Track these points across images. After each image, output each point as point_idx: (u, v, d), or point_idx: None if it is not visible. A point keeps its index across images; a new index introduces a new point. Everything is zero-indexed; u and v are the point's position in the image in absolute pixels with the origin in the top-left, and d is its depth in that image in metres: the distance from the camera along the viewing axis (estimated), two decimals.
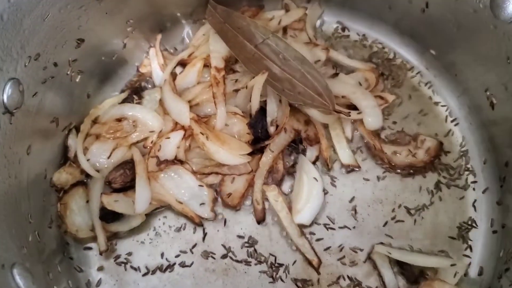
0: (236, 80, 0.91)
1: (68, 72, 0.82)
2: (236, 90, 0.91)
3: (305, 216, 0.85)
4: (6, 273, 0.59)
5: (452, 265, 0.81)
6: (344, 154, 0.90)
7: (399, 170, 0.90)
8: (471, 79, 0.90)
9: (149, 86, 0.96)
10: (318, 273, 0.84)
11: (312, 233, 0.86)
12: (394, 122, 0.94)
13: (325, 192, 0.88)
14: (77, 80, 0.85)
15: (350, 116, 0.87)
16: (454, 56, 0.91)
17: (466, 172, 0.90)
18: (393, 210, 0.87)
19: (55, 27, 0.74)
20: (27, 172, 0.74)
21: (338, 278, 0.84)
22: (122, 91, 0.95)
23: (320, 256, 0.84)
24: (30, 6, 0.67)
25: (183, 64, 0.96)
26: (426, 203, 0.88)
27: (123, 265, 0.85)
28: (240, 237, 0.86)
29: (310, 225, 0.86)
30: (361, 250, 0.85)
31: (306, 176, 0.87)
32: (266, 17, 0.99)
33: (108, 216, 0.83)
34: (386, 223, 0.87)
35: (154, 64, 0.96)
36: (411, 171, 0.90)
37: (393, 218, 0.87)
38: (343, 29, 1.01)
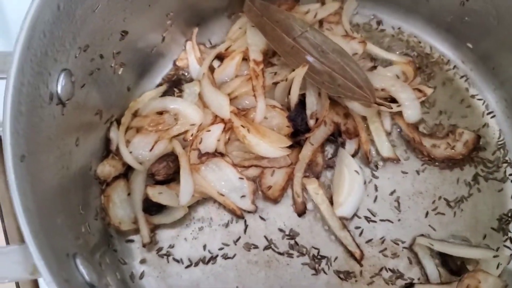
0: (275, 73, 0.91)
1: (112, 65, 0.82)
2: (275, 83, 0.91)
3: (347, 209, 0.85)
4: (70, 261, 0.59)
5: (494, 256, 0.82)
6: (384, 147, 0.91)
7: (437, 163, 0.91)
8: (509, 72, 0.90)
9: (186, 79, 0.97)
10: (361, 265, 0.84)
11: (353, 226, 0.86)
12: (432, 115, 0.94)
13: (365, 185, 0.88)
14: (119, 72, 0.85)
15: (392, 108, 0.88)
16: (492, 50, 0.92)
17: (504, 165, 0.91)
18: (433, 202, 0.88)
19: (103, 18, 0.74)
20: (76, 164, 0.74)
21: (380, 270, 0.84)
22: (159, 84, 0.95)
23: (362, 248, 0.85)
24: None
25: (219, 57, 0.96)
26: (465, 195, 0.89)
27: (165, 257, 0.85)
28: (281, 229, 0.87)
29: (352, 218, 0.87)
30: (403, 242, 0.85)
31: (347, 169, 0.87)
32: (302, 10, 0.99)
33: (152, 208, 0.83)
34: (426, 215, 0.87)
35: (191, 58, 0.96)
36: (450, 163, 0.91)
37: (433, 210, 0.87)
38: (379, 22, 1.01)
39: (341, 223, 0.85)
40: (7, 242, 0.75)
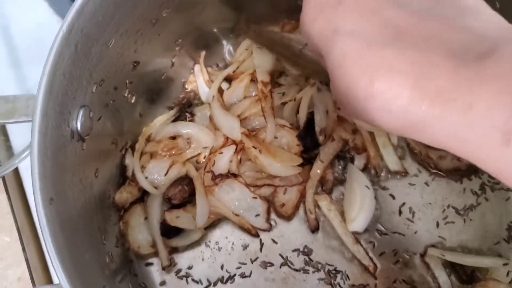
0: (283, 94, 0.93)
1: (126, 94, 0.84)
2: (284, 103, 0.93)
3: (359, 224, 0.88)
4: None
5: (504, 264, 0.84)
6: (392, 161, 0.93)
7: (444, 174, 0.93)
8: None
9: (196, 102, 0.99)
10: (375, 278, 0.86)
11: (366, 240, 0.89)
12: None
13: (376, 199, 0.91)
14: (132, 101, 0.87)
15: None
16: None
17: None
18: (443, 211, 0.90)
19: (117, 52, 0.76)
20: (96, 195, 0.76)
21: (394, 281, 0.86)
22: (170, 108, 0.98)
23: (376, 261, 0.87)
24: (97, 34, 0.69)
25: (227, 79, 0.98)
26: (474, 204, 0.91)
27: (184, 278, 0.87)
28: (295, 246, 0.89)
29: (364, 232, 0.89)
30: (415, 253, 0.88)
31: (357, 185, 0.90)
32: None
33: (170, 232, 0.85)
34: (436, 226, 0.89)
35: (200, 81, 0.98)
36: (457, 174, 0.93)
37: (444, 219, 0.90)
38: None
39: (354, 238, 0.88)
40: (33, 284, 0.77)
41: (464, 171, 0.92)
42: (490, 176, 0.93)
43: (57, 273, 0.52)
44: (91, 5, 0.66)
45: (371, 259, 0.87)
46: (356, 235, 0.88)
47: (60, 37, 0.62)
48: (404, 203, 0.91)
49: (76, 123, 0.68)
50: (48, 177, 0.57)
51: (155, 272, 0.87)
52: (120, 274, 0.81)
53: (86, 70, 0.69)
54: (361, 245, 0.87)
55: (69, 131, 0.65)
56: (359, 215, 0.88)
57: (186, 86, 0.99)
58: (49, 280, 0.77)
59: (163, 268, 0.86)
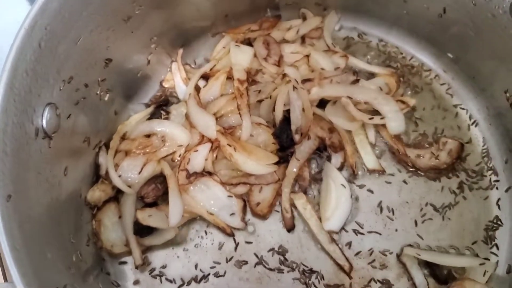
0: (259, 91, 0.93)
1: (98, 92, 0.83)
2: (260, 101, 0.92)
3: (335, 223, 0.87)
4: None
5: (481, 264, 0.83)
6: (369, 159, 0.92)
7: (423, 173, 0.92)
8: (490, 80, 0.92)
9: (173, 100, 0.98)
10: (350, 278, 0.86)
11: (342, 239, 0.88)
12: (416, 126, 0.96)
13: (352, 198, 0.90)
14: (106, 98, 0.86)
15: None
16: (472, 59, 0.93)
17: (489, 172, 0.92)
18: (420, 210, 0.89)
19: (86, 49, 0.75)
20: (65, 193, 0.76)
21: (370, 281, 0.85)
22: (147, 106, 0.97)
23: (351, 261, 0.86)
24: (64, 31, 0.69)
25: (205, 77, 0.97)
26: (452, 203, 0.90)
27: (158, 277, 0.86)
28: (271, 245, 0.88)
29: (340, 231, 0.88)
30: (391, 253, 0.87)
31: (333, 183, 0.89)
32: (284, 27, 1.01)
33: (143, 230, 0.85)
34: (416, 224, 0.88)
35: (177, 78, 0.98)
36: (435, 173, 0.92)
37: (422, 216, 0.89)
38: (361, 35, 1.03)
39: (329, 237, 0.87)
40: (5, 279, 0.76)
41: (442, 169, 0.92)
42: (468, 175, 0.92)
43: (11, 271, 0.51)
44: (55, 2, 0.65)
45: (346, 258, 0.86)
46: (331, 234, 0.87)
47: (21, 34, 0.61)
48: (381, 202, 0.90)
49: (42, 121, 0.67)
50: (6, 174, 0.57)
51: (129, 271, 0.87)
52: (92, 273, 0.80)
53: (53, 67, 0.68)
54: (337, 244, 0.86)
55: (33, 129, 0.65)
56: (335, 214, 0.87)
57: (164, 84, 0.99)
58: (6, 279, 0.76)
59: (137, 267, 0.85)
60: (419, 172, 0.92)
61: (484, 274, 0.83)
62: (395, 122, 0.91)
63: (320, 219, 0.88)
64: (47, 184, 0.69)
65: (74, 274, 0.69)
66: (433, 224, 0.89)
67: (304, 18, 1.02)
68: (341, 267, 0.86)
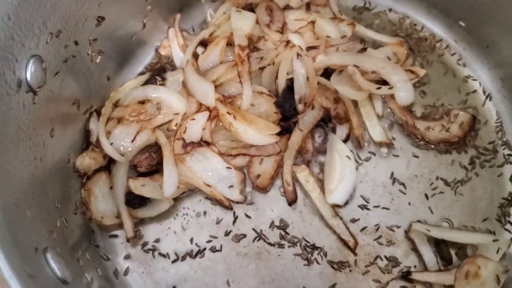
0: (261, 58, 0.88)
1: (89, 52, 0.78)
2: (262, 68, 0.87)
3: (339, 196, 0.82)
4: (39, 256, 0.55)
5: (494, 240, 0.79)
6: (376, 132, 0.87)
7: (433, 146, 0.87)
8: (504, 50, 0.87)
9: (170, 67, 0.93)
10: (355, 254, 0.81)
11: (346, 214, 0.83)
12: (425, 97, 0.91)
13: (358, 170, 0.85)
14: (98, 61, 0.81)
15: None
16: (485, 28, 0.88)
17: (503, 147, 0.87)
18: (431, 184, 0.84)
19: (76, 3, 0.71)
20: (51, 155, 0.71)
21: (376, 258, 0.81)
22: (142, 73, 0.92)
23: (356, 236, 0.81)
24: None
25: (203, 44, 0.92)
26: (465, 179, 0.85)
27: (151, 252, 0.81)
28: (271, 219, 0.83)
29: (344, 205, 0.83)
30: (399, 227, 0.82)
31: (338, 155, 0.84)
32: None
33: (135, 201, 0.80)
34: (423, 199, 0.83)
35: (174, 45, 0.92)
36: (446, 146, 0.87)
37: (431, 191, 0.84)
38: (369, 3, 0.98)
39: (333, 211, 0.82)
40: None
41: (453, 143, 0.87)
42: (480, 153, 0.87)
43: None
44: None
45: (351, 234, 0.81)
46: (335, 208, 0.82)
47: None
48: (388, 176, 0.85)
49: (25, 73, 0.62)
50: None
51: (120, 244, 0.82)
52: (80, 246, 0.75)
53: (38, 16, 0.63)
54: (341, 218, 0.81)
55: (15, 79, 0.60)
56: (339, 186, 0.82)
57: (160, 51, 0.94)
58: None
59: (128, 240, 0.80)
60: (428, 145, 0.87)
61: (497, 251, 0.78)
62: (404, 92, 0.86)
63: (323, 192, 0.83)
64: (30, 142, 0.64)
65: (56, 239, 0.64)
66: (444, 199, 0.84)
67: None
68: (345, 243, 0.81)
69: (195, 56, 0.91)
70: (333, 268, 0.80)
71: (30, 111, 0.64)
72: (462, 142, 0.87)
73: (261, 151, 0.85)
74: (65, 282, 0.56)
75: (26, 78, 0.62)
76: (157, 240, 0.82)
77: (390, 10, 0.97)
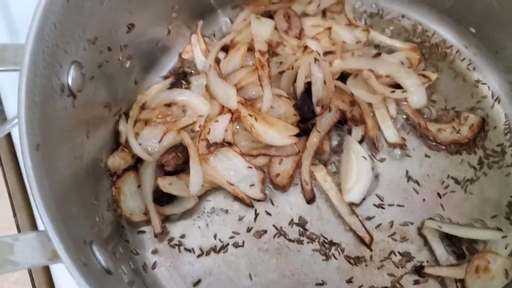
0: (281, 63, 0.92)
1: (120, 58, 0.83)
2: (281, 72, 0.92)
3: (356, 195, 0.86)
4: (87, 248, 0.60)
5: (503, 237, 0.83)
6: (390, 133, 0.91)
7: (444, 147, 0.91)
8: None
9: (192, 71, 0.97)
10: (371, 250, 0.85)
11: (362, 211, 0.87)
12: (436, 101, 0.95)
13: (373, 170, 0.89)
14: (127, 65, 0.86)
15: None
16: (494, 33, 0.92)
17: (511, 148, 0.92)
18: (442, 183, 0.88)
19: (110, 11, 0.75)
20: (87, 155, 0.75)
21: (390, 254, 0.85)
22: (166, 77, 0.96)
23: (371, 233, 0.85)
24: None
25: (225, 49, 0.97)
26: (474, 178, 0.89)
27: (177, 247, 0.85)
28: (290, 217, 0.87)
29: (360, 204, 0.87)
30: (412, 224, 0.86)
31: (354, 156, 0.88)
32: (305, 0, 1.00)
33: (162, 199, 0.84)
34: (435, 198, 0.88)
35: (197, 50, 0.97)
36: (456, 147, 0.91)
37: (443, 190, 0.88)
38: (382, 10, 1.02)
39: (350, 209, 0.86)
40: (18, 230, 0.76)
41: (464, 144, 0.91)
42: (488, 154, 0.91)
43: (43, 218, 0.50)
44: None
45: (367, 230, 0.85)
46: (352, 207, 0.86)
47: None
48: (401, 175, 0.89)
49: (67, 78, 0.66)
50: (35, 124, 0.56)
51: (148, 240, 0.86)
52: (112, 240, 0.80)
53: (79, 24, 0.68)
54: (357, 216, 0.86)
55: (59, 84, 0.64)
56: (356, 186, 0.86)
57: (183, 56, 0.98)
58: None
59: (155, 236, 0.84)
60: (440, 146, 0.91)
61: (506, 247, 0.82)
62: (417, 96, 0.90)
63: (340, 191, 0.87)
64: (71, 143, 0.68)
65: (97, 233, 0.68)
66: (454, 197, 0.88)
67: None
68: (361, 239, 0.85)
69: (217, 61, 0.95)
70: (350, 263, 0.84)
71: (71, 114, 0.68)
72: (472, 143, 0.91)
73: (280, 151, 0.89)
74: (109, 272, 0.60)
75: (68, 83, 0.66)
76: (182, 236, 0.86)
77: (403, 16, 1.02)
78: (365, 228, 0.85)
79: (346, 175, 0.88)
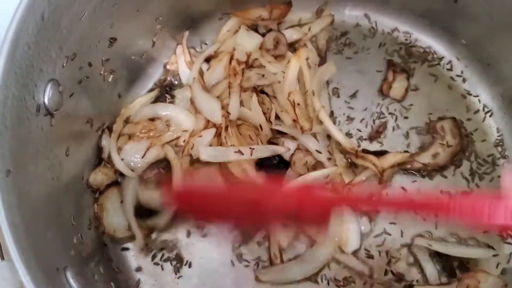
0: (263, 76, 0.89)
1: (102, 72, 0.81)
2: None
3: (354, 242, 0.83)
4: (61, 276, 0.58)
5: (494, 255, 0.81)
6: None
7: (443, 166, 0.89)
8: (505, 68, 0.89)
9: (177, 83, 0.95)
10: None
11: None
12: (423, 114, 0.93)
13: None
14: (109, 80, 0.84)
15: None
16: (487, 46, 0.91)
17: (502, 160, 0.90)
18: None
19: (90, 26, 0.73)
20: (66, 174, 0.73)
21: (380, 273, 0.83)
22: (151, 90, 0.94)
23: (361, 251, 0.84)
24: (67, 4, 0.66)
25: (208, 60, 0.94)
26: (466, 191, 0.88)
27: (160, 265, 0.84)
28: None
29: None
30: (402, 242, 0.84)
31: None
32: (294, 19, 0.97)
33: (144, 212, 0.83)
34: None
35: (181, 62, 0.94)
36: (454, 160, 0.89)
37: None
38: (371, 22, 0.99)
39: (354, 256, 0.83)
40: (2, 258, 0.74)
41: (459, 153, 0.89)
42: (482, 163, 0.90)
43: (9, 247, 0.49)
44: None
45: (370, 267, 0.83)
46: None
47: (24, 3, 0.59)
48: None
49: (43, 97, 0.64)
50: (6, 148, 0.54)
51: (131, 257, 0.84)
52: (93, 259, 0.78)
53: (55, 42, 0.66)
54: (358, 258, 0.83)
55: (34, 104, 0.62)
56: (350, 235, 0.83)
57: (168, 67, 0.95)
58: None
59: (139, 250, 0.83)
60: (442, 168, 0.89)
61: (497, 266, 0.81)
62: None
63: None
64: (47, 163, 0.66)
65: (75, 256, 0.67)
66: None
67: (318, 16, 0.98)
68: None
69: (201, 73, 0.93)
70: (337, 286, 0.82)
71: (48, 133, 0.66)
72: (466, 147, 0.90)
73: None
74: None
75: (44, 102, 0.64)
76: (167, 252, 0.84)
77: (395, 28, 0.98)
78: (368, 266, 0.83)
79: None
